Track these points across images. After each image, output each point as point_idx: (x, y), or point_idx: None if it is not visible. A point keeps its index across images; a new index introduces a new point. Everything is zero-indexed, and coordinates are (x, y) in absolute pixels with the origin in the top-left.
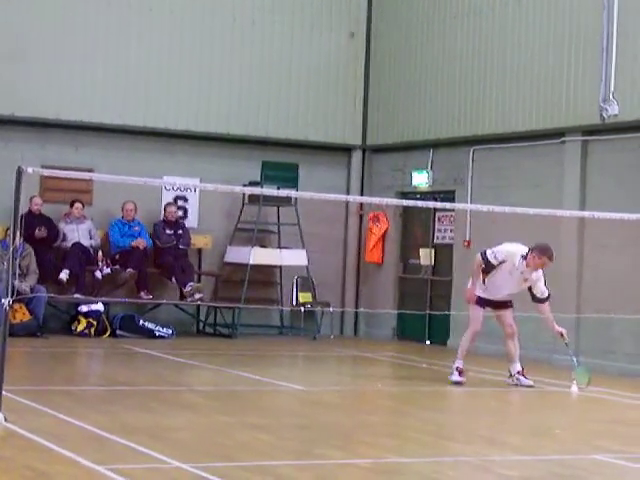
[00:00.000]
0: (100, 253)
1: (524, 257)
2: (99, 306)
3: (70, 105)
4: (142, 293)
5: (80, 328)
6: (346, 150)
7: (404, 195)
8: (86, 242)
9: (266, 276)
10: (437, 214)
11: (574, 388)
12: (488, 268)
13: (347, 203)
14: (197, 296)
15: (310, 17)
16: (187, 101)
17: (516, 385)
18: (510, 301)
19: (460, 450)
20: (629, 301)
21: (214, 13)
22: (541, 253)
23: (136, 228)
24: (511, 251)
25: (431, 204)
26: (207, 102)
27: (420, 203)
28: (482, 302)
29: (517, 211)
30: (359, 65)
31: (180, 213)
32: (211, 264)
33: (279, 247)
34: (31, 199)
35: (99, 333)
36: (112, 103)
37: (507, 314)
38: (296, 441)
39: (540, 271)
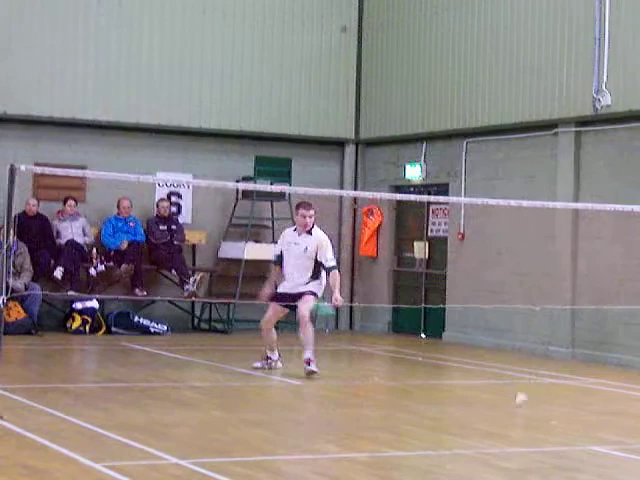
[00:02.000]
0: (94, 250)
1: (295, 229)
2: (94, 303)
3: (62, 102)
4: (137, 290)
5: (75, 325)
6: (339, 144)
7: (398, 188)
8: (80, 239)
9: (260, 271)
10: (431, 207)
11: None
12: (278, 262)
13: (341, 197)
14: (198, 276)
15: (302, 12)
16: (179, 97)
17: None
18: (310, 292)
19: (457, 443)
20: (624, 292)
21: (205, 9)
22: (296, 208)
23: (131, 224)
24: (282, 234)
25: (425, 197)
26: (199, 98)
27: (414, 196)
28: (279, 297)
29: (511, 203)
30: (351, 59)
31: (174, 209)
32: (205, 260)
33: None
34: (26, 201)
35: (94, 330)
36: (104, 100)
37: (301, 301)
38: (293, 436)
39: (320, 236)
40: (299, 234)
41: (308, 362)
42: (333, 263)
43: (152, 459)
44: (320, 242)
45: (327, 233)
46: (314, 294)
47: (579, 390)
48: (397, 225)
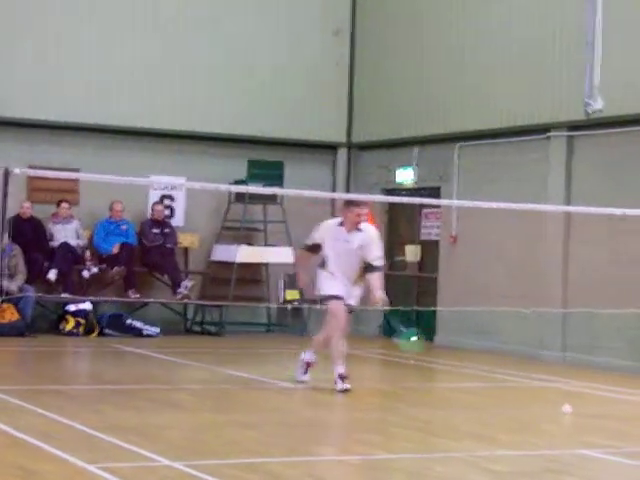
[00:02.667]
0: (87, 252)
1: (341, 223)
2: (87, 305)
3: (56, 106)
4: (130, 292)
5: (68, 327)
6: (331, 148)
7: (390, 192)
8: (73, 242)
9: (253, 274)
10: (423, 210)
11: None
12: (313, 250)
13: (333, 201)
14: (190, 283)
15: (294, 15)
16: (172, 101)
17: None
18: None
19: (448, 446)
20: (615, 296)
21: (198, 12)
22: (348, 205)
23: (123, 227)
24: (323, 225)
25: (417, 200)
26: (192, 101)
27: (406, 199)
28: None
29: (502, 206)
30: (343, 63)
31: (167, 212)
32: (198, 263)
33: (265, 245)
34: (21, 204)
35: (87, 332)
36: (98, 103)
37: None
38: (285, 438)
39: (371, 232)
40: (348, 231)
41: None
42: (381, 263)
43: (145, 461)
44: (371, 238)
45: None
46: (354, 309)
47: (569, 393)
48: (389, 229)
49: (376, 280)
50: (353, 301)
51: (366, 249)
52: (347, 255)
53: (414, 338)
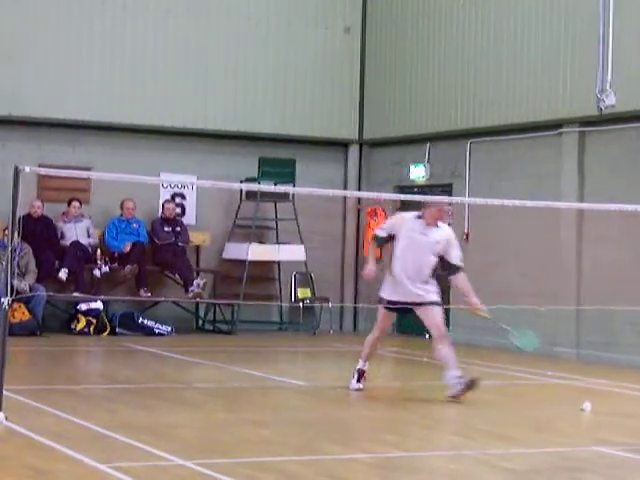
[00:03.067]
0: (99, 251)
1: (419, 216)
2: (98, 304)
3: (67, 104)
4: (141, 291)
5: (79, 327)
6: (343, 145)
7: (402, 189)
8: (84, 240)
9: (264, 272)
10: None
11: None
12: (379, 242)
13: (345, 198)
14: (202, 282)
15: (305, 13)
16: (183, 98)
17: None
18: (428, 302)
19: (462, 444)
20: (629, 292)
21: (209, 10)
22: (434, 202)
23: (135, 225)
24: (398, 217)
25: (429, 198)
26: (203, 99)
27: (418, 197)
28: (387, 303)
29: (515, 203)
30: (355, 60)
31: (178, 210)
32: (209, 261)
33: (277, 243)
34: (31, 204)
35: (98, 331)
36: (108, 101)
37: (426, 313)
38: (297, 437)
39: (449, 230)
40: (427, 225)
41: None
42: (462, 263)
43: (157, 460)
44: (450, 236)
45: (331, 234)
46: (439, 304)
47: (584, 391)
48: None
49: (465, 284)
50: (434, 298)
51: (445, 247)
52: (420, 250)
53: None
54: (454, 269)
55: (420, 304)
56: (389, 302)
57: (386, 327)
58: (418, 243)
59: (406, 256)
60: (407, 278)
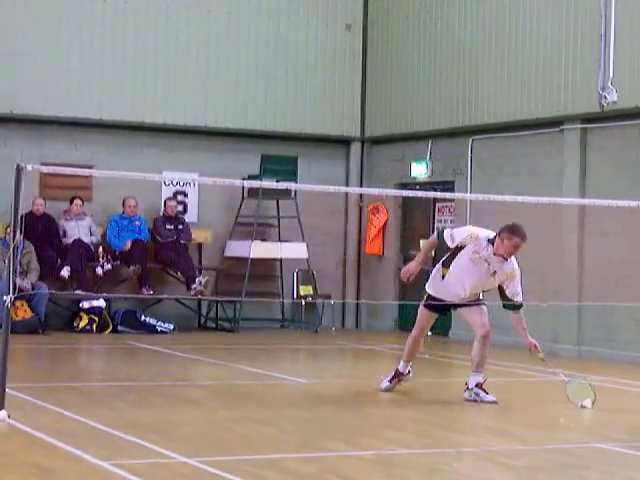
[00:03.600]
0: (101, 249)
1: (490, 241)
2: (100, 302)
3: (68, 102)
4: (143, 289)
5: (82, 324)
6: (345, 142)
7: (403, 186)
8: (86, 238)
9: (267, 270)
10: (437, 204)
11: (587, 402)
12: (442, 251)
13: (347, 195)
14: (204, 280)
15: (306, 10)
16: (185, 96)
17: (475, 401)
18: (479, 299)
19: (464, 441)
20: (630, 289)
21: (210, 8)
22: (511, 233)
23: (137, 223)
24: (474, 233)
25: (431, 194)
26: (205, 96)
27: (420, 193)
28: (433, 301)
29: (518, 200)
30: (356, 57)
31: (180, 208)
32: (211, 258)
33: (279, 240)
34: (33, 201)
35: (101, 329)
36: (110, 99)
37: (474, 311)
38: (299, 434)
39: (514, 264)
40: (494, 253)
41: (480, 386)
42: (521, 299)
43: (159, 457)
44: (514, 270)
45: (333, 231)
46: (483, 301)
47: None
48: (403, 223)
49: (519, 324)
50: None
51: (506, 281)
52: (477, 276)
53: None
54: (510, 306)
55: (465, 304)
56: (433, 298)
57: (425, 327)
58: (479, 268)
59: (463, 274)
60: (457, 290)
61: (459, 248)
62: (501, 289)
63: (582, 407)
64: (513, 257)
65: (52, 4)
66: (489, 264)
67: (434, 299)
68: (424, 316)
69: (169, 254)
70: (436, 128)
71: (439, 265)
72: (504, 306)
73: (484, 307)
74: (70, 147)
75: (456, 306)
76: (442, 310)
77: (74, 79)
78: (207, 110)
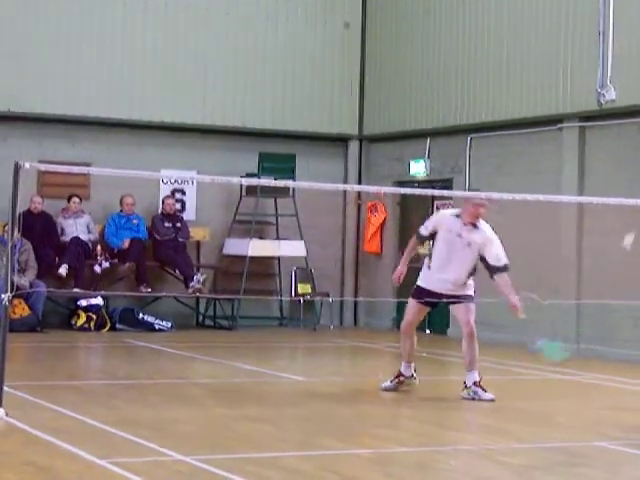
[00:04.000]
0: (99, 247)
1: (458, 216)
2: (98, 300)
3: (66, 100)
4: (141, 287)
5: (80, 322)
6: (343, 140)
7: (402, 184)
8: (84, 236)
9: (265, 268)
10: (435, 202)
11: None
12: (422, 240)
13: (345, 193)
14: (202, 277)
15: (305, 8)
16: (183, 94)
17: (472, 399)
18: (464, 295)
19: (461, 439)
20: (629, 287)
21: (208, 6)
22: (470, 199)
23: (134, 221)
24: (439, 214)
25: (429, 192)
26: (203, 95)
27: (418, 191)
28: (421, 292)
29: (516, 198)
30: (355, 55)
31: (178, 206)
32: (209, 256)
33: (277, 238)
34: (31, 199)
35: (99, 327)
36: (108, 97)
37: (460, 308)
38: (297, 432)
39: (487, 231)
40: (464, 224)
41: (477, 384)
42: (505, 262)
43: (157, 455)
44: (487, 236)
45: (331, 229)
46: (472, 298)
47: (584, 386)
48: (401, 221)
49: (505, 285)
50: (469, 291)
51: (482, 248)
52: (456, 252)
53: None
54: (494, 270)
55: (454, 298)
56: (425, 290)
57: (412, 320)
58: (454, 244)
59: (443, 257)
60: (443, 271)
61: (435, 235)
62: (484, 261)
63: (624, 247)
64: (485, 225)
65: (52, 3)
66: (461, 237)
67: (423, 291)
68: (410, 308)
69: (167, 252)
70: (434, 126)
71: (426, 258)
72: (491, 276)
73: (471, 305)
74: (68, 145)
75: (447, 302)
76: (431, 303)
77: (72, 77)
78: (205, 108)
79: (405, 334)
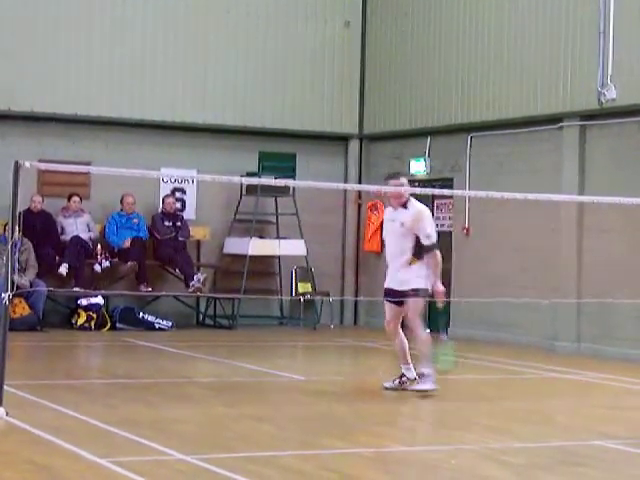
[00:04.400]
0: (99, 246)
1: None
2: (99, 299)
3: (66, 99)
4: (141, 286)
5: (80, 322)
6: (343, 139)
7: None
8: (85, 235)
9: (265, 267)
10: (435, 201)
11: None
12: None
13: (345, 192)
14: (202, 277)
15: (305, 7)
16: (183, 93)
17: (404, 390)
18: (413, 290)
19: (462, 438)
20: (629, 285)
21: (209, 4)
22: (386, 179)
23: (135, 220)
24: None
25: (429, 191)
26: (203, 93)
27: (418, 190)
28: (386, 292)
29: (516, 197)
30: (355, 54)
31: (178, 205)
32: (210, 256)
33: (277, 237)
34: (31, 198)
35: (99, 326)
36: (108, 96)
37: (409, 303)
38: (298, 431)
39: (416, 208)
40: (394, 209)
41: (421, 376)
42: (432, 241)
43: (157, 455)
44: (417, 215)
45: (331, 228)
46: (419, 292)
47: (584, 385)
48: None
49: (432, 264)
50: (415, 284)
51: (414, 226)
52: (394, 235)
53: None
54: (424, 249)
55: (404, 295)
56: (386, 289)
57: (388, 319)
58: (389, 229)
59: (387, 244)
60: (392, 264)
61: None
62: (418, 240)
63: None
64: (416, 203)
65: (51, 2)
66: (394, 220)
67: (386, 290)
68: (385, 308)
69: (167, 251)
70: (435, 125)
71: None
72: (422, 256)
73: (419, 300)
74: (68, 144)
75: (400, 300)
76: (395, 301)
77: (72, 76)
78: (205, 107)
79: (387, 334)
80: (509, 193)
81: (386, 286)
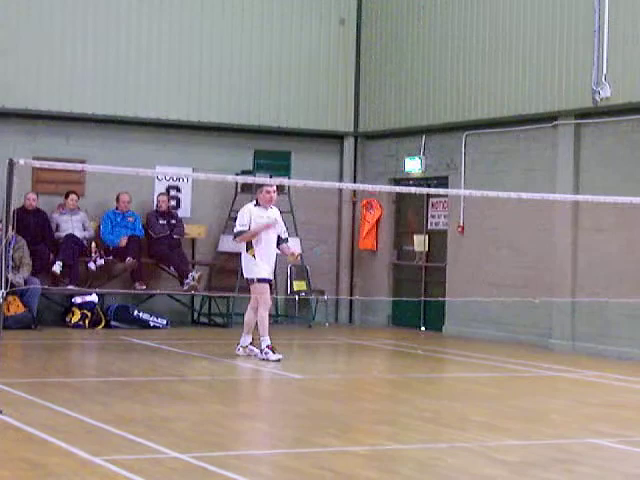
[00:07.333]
0: (94, 244)
1: (256, 203)
2: (93, 297)
3: (61, 96)
4: (136, 284)
5: (74, 319)
6: (338, 137)
7: (397, 181)
8: (79, 233)
9: None
10: (430, 200)
11: None
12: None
13: (340, 191)
14: (197, 275)
15: (300, 4)
16: (178, 90)
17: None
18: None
19: (457, 436)
20: (624, 284)
21: (204, 2)
22: (260, 187)
23: (130, 219)
24: (244, 209)
25: (425, 190)
26: (198, 91)
27: (414, 189)
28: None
29: (511, 196)
30: (350, 52)
31: (173, 203)
32: (205, 254)
33: None
34: (25, 196)
35: (93, 324)
36: (103, 93)
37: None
38: (292, 429)
39: (275, 210)
40: (266, 209)
41: (269, 347)
42: (287, 235)
43: (152, 453)
44: (278, 214)
45: (326, 227)
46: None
47: (579, 383)
48: (396, 218)
49: (284, 248)
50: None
51: (277, 225)
52: (267, 232)
53: None
54: (282, 241)
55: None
56: (264, 281)
57: (269, 300)
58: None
59: (261, 239)
60: (266, 258)
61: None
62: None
63: None
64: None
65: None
66: (269, 217)
67: (263, 280)
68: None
69: (162, 249)
70: (430, 123)
71: (244, 252)
72: (277, 246)
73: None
74: (63, 142)
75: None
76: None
77: (67, 73)
78: (200, 105)
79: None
80: (504, 192)
81: (265, 277)
